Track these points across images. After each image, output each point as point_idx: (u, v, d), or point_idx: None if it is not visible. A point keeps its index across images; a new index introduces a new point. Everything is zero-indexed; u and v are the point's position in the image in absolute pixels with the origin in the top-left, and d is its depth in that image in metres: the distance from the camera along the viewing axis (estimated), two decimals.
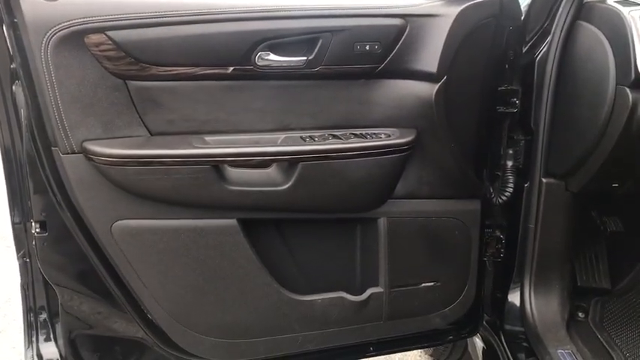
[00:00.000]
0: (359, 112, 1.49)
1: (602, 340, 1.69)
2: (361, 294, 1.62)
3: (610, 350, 1.63)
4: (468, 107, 1.56)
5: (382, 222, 1.56)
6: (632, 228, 1.87)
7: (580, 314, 1.83)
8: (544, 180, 1.68)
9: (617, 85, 1.44)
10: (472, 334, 1.87)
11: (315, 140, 1.43)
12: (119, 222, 1.40)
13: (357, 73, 1.44)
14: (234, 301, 1.53)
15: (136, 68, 1.31)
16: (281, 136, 1.45)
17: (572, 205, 1.69)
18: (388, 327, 1.66)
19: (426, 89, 1.45)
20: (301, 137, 1.44)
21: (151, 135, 1.38)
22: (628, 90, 1.42)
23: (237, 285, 1.51)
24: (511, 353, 1.73)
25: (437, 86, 1.44)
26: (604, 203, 1.82)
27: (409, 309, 1.67)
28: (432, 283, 1.66)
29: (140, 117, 1.37)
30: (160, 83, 1.35)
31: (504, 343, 1.78)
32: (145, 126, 1.38)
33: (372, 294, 1.61)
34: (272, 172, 1.45)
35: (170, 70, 1.33)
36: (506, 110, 1.67)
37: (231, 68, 1.35)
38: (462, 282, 1.70)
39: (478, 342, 1.92)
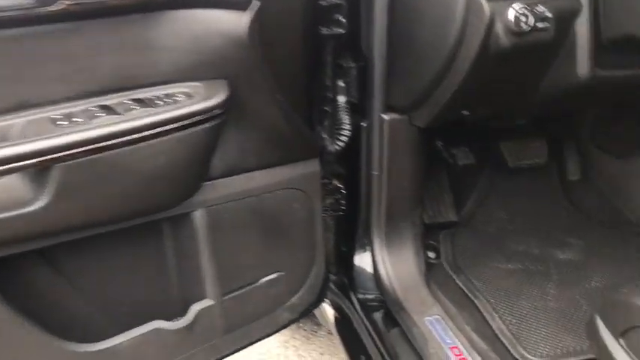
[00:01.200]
0: (138, 65, 1.00)
1: (462, 286, 1.50)
2: (183, 315, 1.19)
3: (474, 299, 1.45)
4: (290, 39, 1.16)
5: (198, 215, 1.13)
6: (480, 158, 1.69)
7: (431, 254, 1.64)
8: (385, 116, 1.39)
9: None
10: (319, 303, 1.57)
11: (76, 122, 0.91)
12: None
13: (125, 6, 0.95)
14: None
15: None
16: (16, 120, 0.90)
17: (418, 141, 1.44)
18: (226, 343, 1.27)
19: (235, 20, 1.01)
20: (51, 119, 0.91)
21: None
22: (483, 1, 1.15)
23: None
24: (369, 323, 1.48)
25: (250, 15, 1.00)
26: (449, 132, 1.59)
27: (250, 313, 1.29)
28: (274, 275, 1.30)
29: None
30: None
31: (359, 311, 1.52)
32: None
33: (199, 311, 1.19)
34: (10, 184, 0.90)
35: None
36: (331, 32, 1.31)
37: None
38: (309, 263, 1.37)
39: (328, 308, 1.65)
